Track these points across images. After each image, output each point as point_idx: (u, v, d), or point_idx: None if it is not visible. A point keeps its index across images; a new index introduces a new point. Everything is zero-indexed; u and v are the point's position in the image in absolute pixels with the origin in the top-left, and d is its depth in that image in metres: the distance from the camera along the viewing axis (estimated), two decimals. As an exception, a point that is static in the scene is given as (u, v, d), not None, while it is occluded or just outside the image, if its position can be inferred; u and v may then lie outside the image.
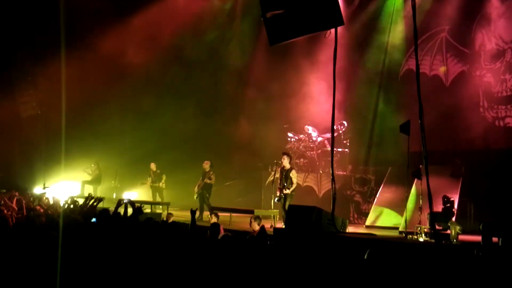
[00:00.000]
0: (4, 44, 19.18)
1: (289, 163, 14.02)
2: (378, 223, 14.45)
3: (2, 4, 18.41)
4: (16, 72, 20.02)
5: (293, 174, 13.74)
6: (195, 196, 16.53)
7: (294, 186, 13.66)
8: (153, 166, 19.04)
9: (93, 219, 8.55)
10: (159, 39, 20.39)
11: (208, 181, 16.44)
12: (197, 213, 12.62)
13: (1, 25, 18.62)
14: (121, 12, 19.65)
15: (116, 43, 19.67)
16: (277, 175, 14.23)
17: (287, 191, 13.56)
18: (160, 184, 18.87)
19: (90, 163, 19.80)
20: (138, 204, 9.23)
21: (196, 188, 16.58)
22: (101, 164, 20.03)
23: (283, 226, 12.50)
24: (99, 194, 18.23)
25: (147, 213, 13.12)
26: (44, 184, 17.13)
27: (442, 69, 17.14)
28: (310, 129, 18.39)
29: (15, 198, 11.73)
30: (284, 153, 14.37)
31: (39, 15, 19.01)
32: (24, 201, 11.72)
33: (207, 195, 16.44)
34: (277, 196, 13.79)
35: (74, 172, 19.63)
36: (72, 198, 11.81)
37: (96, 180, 19.66)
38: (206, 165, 16.64)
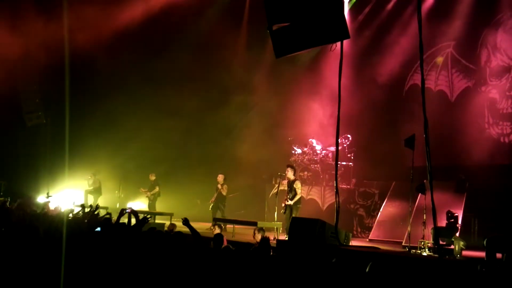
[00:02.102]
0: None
1: (293, 175, 14.08)
2: (382, 237, 14.40)
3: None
4: (22, 82, 20.11)
5: (297, 185, 13.78)
6: (210, 208, 16.55)
7: (298, 197, 13.68)
8: (151, 176, 19.10)
9: (98, 228, 8.56)
10: (166, 55, 20.54)
11: (220, 191, 16.46)
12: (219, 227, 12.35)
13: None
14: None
15: (122, 56, 19.84)
16: (284, 188, 14.24)
17: (290, 202, 13.61)
18: (148, 194, 18.92)
19: (90, 173, 19.80)
20: (142, 214, 9.21)
21: (211, 199, 16.62)
22: (104, 175, 20.03)
23: (286, 238, 12.47)
24: (101, 204, 18.22)
25: (149, 223, 13.10)
26: (47, 193, 17.14)
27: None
28: (314, 142, 18.38)
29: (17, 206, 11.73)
30: (288, 165, 14.45)
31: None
32: (27, 209, 11.71)
33: (222, 206, 16.48)
34: (282, 208, 13.85)
35: (77, 180, 19.66)
36: (75, 206, 11.81)
37: (96, 191, 19.66)
38: (220, 178, 16.70)
